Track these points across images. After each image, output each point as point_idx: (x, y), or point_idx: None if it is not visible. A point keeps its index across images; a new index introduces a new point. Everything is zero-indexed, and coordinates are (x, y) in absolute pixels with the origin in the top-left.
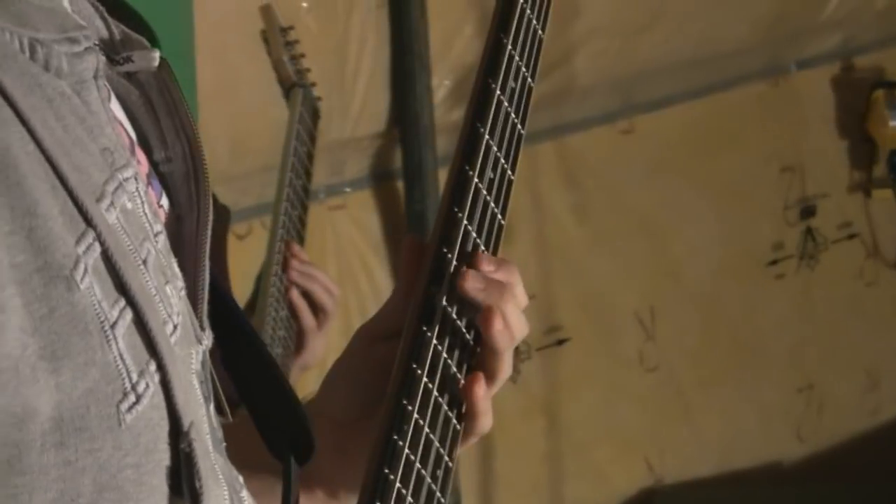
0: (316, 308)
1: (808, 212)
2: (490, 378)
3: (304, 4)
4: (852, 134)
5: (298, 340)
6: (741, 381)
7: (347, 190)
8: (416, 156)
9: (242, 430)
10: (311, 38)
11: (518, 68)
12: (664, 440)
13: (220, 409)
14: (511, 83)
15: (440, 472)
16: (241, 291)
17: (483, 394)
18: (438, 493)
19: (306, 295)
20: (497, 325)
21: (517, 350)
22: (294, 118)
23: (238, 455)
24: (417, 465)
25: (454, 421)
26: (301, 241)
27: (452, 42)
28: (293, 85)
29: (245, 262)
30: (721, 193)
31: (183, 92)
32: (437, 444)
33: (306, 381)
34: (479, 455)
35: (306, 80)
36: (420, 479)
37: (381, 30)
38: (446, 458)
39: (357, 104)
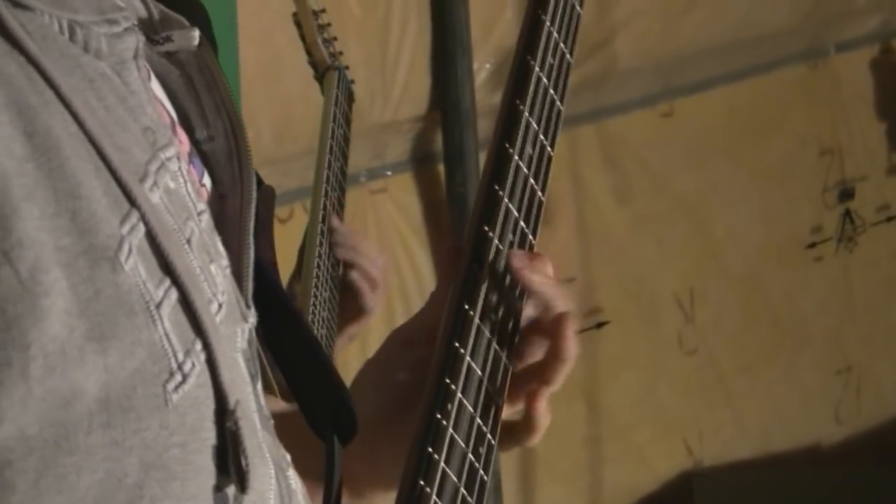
0: (370, 282)
1: (846, 194)
2: (550, 384)
3: None
4: (891, 116)
5: (353, 314)
6: (780, 364)
7: (389, 173)
8: (458, 139)
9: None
10: (354, 22)
11: (557, 44)
12: (703, 423)
13: (267, 387)
14: (550, 59)
15: (482, 450)
16: (283, 274)
17: (545, 408)
18: (481, 471)
19: (363, 273)
20: (570, 331)
21: None
22: (330, 101)
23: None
24: (460, 442)
25: (496, 398)
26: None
27: (493, 25)
28: (328, 68)
29: (287, 246)
30: (760, 176)
31: (224, 73)
32: (479, 421)
33: (345, 357)
34: None
35: (340, 62)
36: (463, 456)
37: (422, 13)
38: (489, 435)
39: (398, 87)
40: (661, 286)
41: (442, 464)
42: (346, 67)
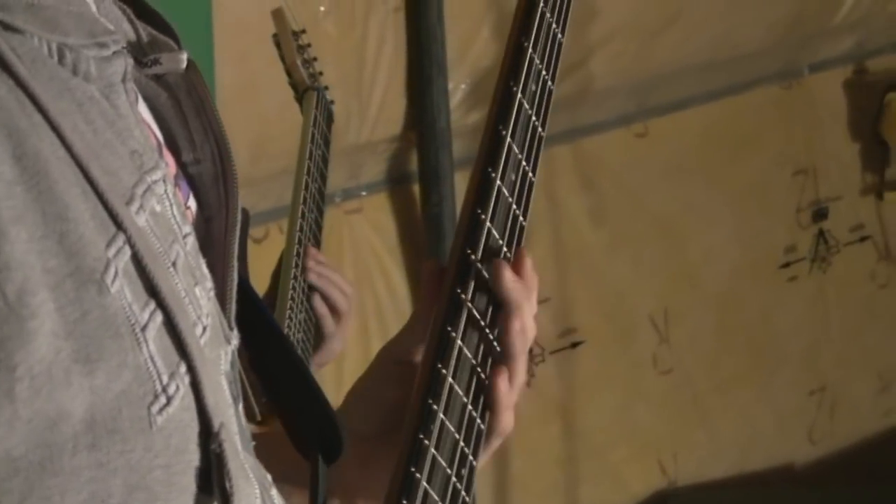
0: (333, 310)
1: (820, 214)
2: (510, 374)
3: (322, 8)
4: (865, 136)
5: (318, 342)
6: (754, 384)
7: (364, 193)
8: (433, 159)
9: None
10: (329, 42)
11: (539, 71)
12: (678, 442)
13: (248, 410)
14: (532, 86)
15: (465, 472)
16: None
17: (506, 388)
18: (463, 493)
19: (325, 298)
20: (516, 326)
21: (531, 353)
22: (309, 121)
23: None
24: (443, 463)
25: (478, 421)
26: (318, 244)
27: (469, 45)
28: (307, 88)
29: (262, 266)
30: (735, 196)
31: (211, 95)
32: (462, 443)
33: (321, 380)
34: (495, 458)
35: (320, 83)
36: (446, 477)
37: (398, 33)
38: (470, 457)
39: (374, 107)
40: (636, 306)
41: (424, 483)
42: (326, 88)
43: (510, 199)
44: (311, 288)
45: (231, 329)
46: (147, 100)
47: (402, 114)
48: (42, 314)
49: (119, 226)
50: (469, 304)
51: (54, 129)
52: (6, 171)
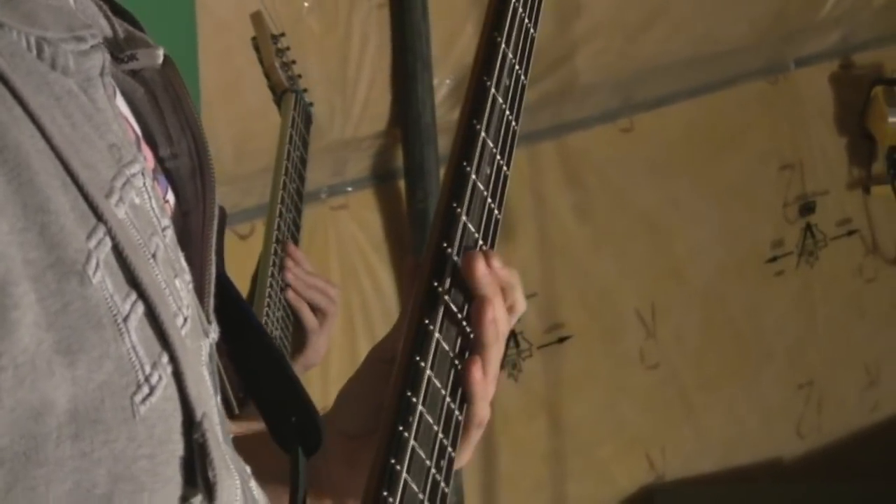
0: (315, 310)
1: (807, 209)
2: (484, 363)
3: (306, 4)
4: (851, 131)
5: (300, 339)
6: (742, 378)
7: (349, 189)
8: (418, 155)
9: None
10: (314, 39)
11: (512, 66)
12: (665, 437)
13: (226, 403)
14: (505, 80)
15: (444, 463)
16: (242, 291)
17: (480, 377)
18: (443, 484)
19: (304, 299)
20: (488, 316)
21: (518, 348)
22: (287, 123)
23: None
24: (422, 455)
25: (457, 413)
26: (296, 243)
27: (454, 42)
28: (285, 90)
29: (248, 262)
30: (721, 191)
31: (188, 89)
32: (440, 434)
33: (308, 380)
34: (482, 454)
35: (298, 85)
36: (425, 469)
37: (382, 30)
38: (450, 448)
39: (359, 104)
40: (622, 301)
41: (404, 474)
42: (305, 90)
43: (485, 193)
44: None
45: (209, 322)
46: (124, 94)
47: (387, 110)
48: (24, 305)
49: (99, 218)
50: (446, 298)
51: (34, 121)
52: None
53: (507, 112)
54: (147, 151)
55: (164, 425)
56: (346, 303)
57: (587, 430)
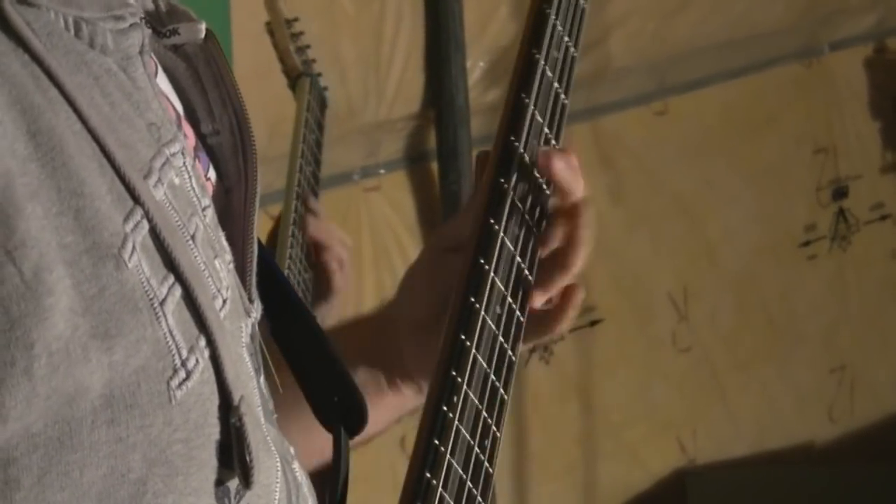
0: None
1: (840, 193)
2: (569, 268)
3: None
4: (885, 115)
5: (322, 294)
6: (774, 362)
7: (382, 171)
8: (451, 137)
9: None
10: (347, 21)
11: (561, 38)
12: (697, 421)
13: (271, 382)
14: (555, 53)
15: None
16: None
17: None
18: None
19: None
20: (584, 219)
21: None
22: (302, 107)
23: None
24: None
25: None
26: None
27: (488, 23)
28: (300, 75)
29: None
30: (755, 175)
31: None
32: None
33: None
34: (513, 436)
35: (313, 70)
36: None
37: (416, 11)
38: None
39: (392, 86)
40: (655, 284)
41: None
42: (319, 75)
43: (536, 171)
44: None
45: (251, 302)
46: (166, 70)
47: (421, 92)
48: (59, 291)
49: (136, 200)
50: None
51: (70, 103)
52: (21, 147)
53: (557, 85)
54: (188, 129)
55: (200, 409)
56: (379, 284)
57: (619, 413)
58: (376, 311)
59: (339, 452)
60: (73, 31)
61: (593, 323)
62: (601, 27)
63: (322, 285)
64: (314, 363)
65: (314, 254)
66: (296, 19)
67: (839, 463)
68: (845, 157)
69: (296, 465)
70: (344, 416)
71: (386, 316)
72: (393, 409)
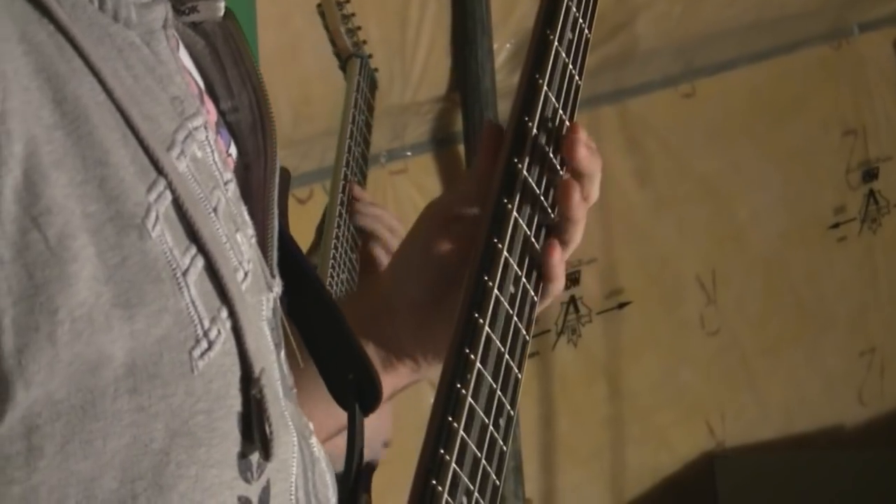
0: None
1: (870, 175)
2: (564, 245)
3: None
4: None
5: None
6: (803, 345)
7: (408, 154)
8: (477, 120)
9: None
10: (373, 3)
11: (576, 20)
12: (726, 404)
13: (291, 357)
14: (569, 35)
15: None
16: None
17: (559, 259)
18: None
19: (374, 239)
20: (573, 194)
21: (578, 313)
22: (352, 87)
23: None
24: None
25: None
26: None
27: (513, 6)
28: (350, 56)
29: (306, 226)
30: (783, 157)
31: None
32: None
33: None
34: (541, 419)
35: (363, 51)
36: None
37: None
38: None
39: (418, 68)
40: (683, 267)
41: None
42: (370, 56)
43: (548, 149)
44: (360, 234)
45: (273, 276)
46: (187, 47)
47: (447, 74)
48: (82, 258)
49: (160, 171)
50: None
51: (94, 74)
52: (46, 115)
53: (571, 66)
54: (210, 104)
55: (221, 380)
56: None
57: (647, 397)
58: (370, 289)
59: (354, 430)
60: (97, 4)
61: (621, 306)
62: (628, 9)
63: (366, 270)
64: (330, 341)
65: (361, 241)
66: (347, 0)
67: (869, 446)
68: (874, 138)
69: (313, 441)
70: (359, 394)
71: (381, 294)
72: (389, 388)
